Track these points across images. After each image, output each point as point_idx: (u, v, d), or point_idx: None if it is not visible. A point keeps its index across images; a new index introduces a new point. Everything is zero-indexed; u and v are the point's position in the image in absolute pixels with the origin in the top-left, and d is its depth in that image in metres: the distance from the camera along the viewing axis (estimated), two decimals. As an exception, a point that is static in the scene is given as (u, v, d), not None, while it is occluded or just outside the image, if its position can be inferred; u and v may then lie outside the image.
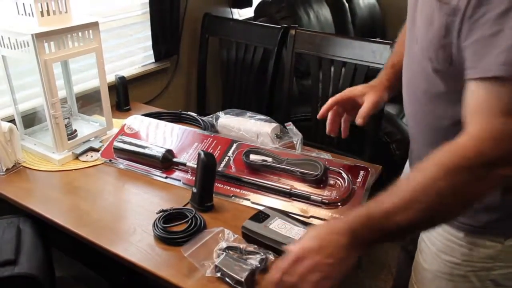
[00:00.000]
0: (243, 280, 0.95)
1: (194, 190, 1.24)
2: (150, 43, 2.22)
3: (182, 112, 1.80)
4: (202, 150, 1.21)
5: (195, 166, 1.28)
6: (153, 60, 2.27)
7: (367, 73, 1.93)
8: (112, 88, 1.90)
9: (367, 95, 1.23)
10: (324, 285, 0.81)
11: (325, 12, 2.98)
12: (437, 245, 1.06)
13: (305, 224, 1.12)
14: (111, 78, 1.96)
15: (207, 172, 1.21)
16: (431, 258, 1.09)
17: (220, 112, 1.71)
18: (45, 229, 1.34)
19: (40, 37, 1.35)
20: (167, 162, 1.42)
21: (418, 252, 1.16)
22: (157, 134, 1.56)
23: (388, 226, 0.79)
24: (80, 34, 1.47)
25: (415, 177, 0.79)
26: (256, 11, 2.78)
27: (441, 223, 0.87)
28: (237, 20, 2.38)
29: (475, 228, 0.98)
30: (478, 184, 0.76)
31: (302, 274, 0.81)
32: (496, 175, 0.75)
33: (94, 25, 1.50)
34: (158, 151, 1.42)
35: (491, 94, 0.75)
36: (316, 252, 0.81)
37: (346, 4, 3.34)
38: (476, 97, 0.77)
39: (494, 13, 0.72)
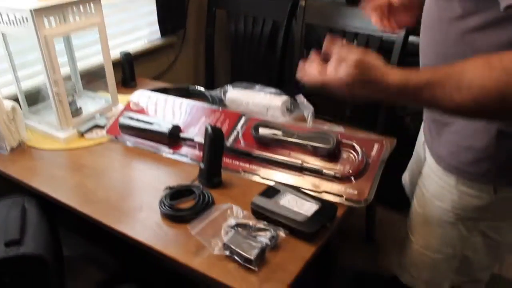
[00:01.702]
0: (252, 258, 0.92)
1: (202, 165, 1.20)
2: (155, 17, 2.16)
3: (190, 86, 1.75)
4: (209, 125, 1.16)
5: (203, 141, 1.24)
6: (159, 35, 2.21)
7: (380, 45, 1.86)
8: (117, 64, 1.86)
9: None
10: (342, 81, 0.82)
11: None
12: (430, 190, 1.08)
13: (317, 199, 1.07)
14: (116, 54, 1.92)
15: (215, 147, 1.17)
16: (424, 203, 1.11)
17: (228, 85, 1.65)
18: (51, 208, 1.31)
19: (39, 12, 1.30)
20: (174, 138, 1.37)
21: (414, 198, 1.17)
22: (164, 110, 1.52)
23: (423, 95, 0.76)
24: (81, 8, 1.42)
25: (464, 65, 0.74)
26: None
27: (480, 119, 0.82)
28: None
29: (465, 175, 0.98)
30: None
31: (341, 58, 0.82)
32: None
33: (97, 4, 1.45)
34: (164, 127, 1.38)
35: None
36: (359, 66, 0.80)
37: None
38: None
39: None
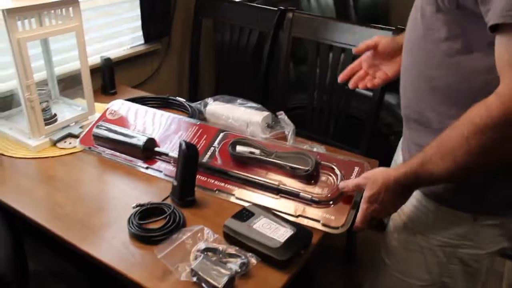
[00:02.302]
0: (220, 287, 0.87)
1: (175, 183, 1.15)
2: (139, 23, 2.11)
3: (170, 97, 1.70)
4: (184, 140, 1.12)
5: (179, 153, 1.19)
6: (142, 41, 2.16)
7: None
8: (98, 70, 1.81)
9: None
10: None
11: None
12: (408, 214, 1.06)
13: (293, 224, 1.03)
14: (96, 59, 1.86)
15: (188, 164, 1.12)
16: (401, 227, 1.09)
17: (209, 98, 1.61)
18: (16, 219, 1.25)
19: (12, 13, 1.25)
20: (148, 152, 1.32)
21: (390, 221, 1.14)
22: (141, 121, 1.46)
23: (422, 174, 0.86)
24: (58, 11, 1.37)
25: (448, 133, 0.82)
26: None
27: (475, 174, 0.86)
28: (232, 1, 2.25)
29: (445, 201, 0.97)
30: (508, 143, 0.75)
31: (383, 201, 0.94)
32: None
33: (74, 2, 1.39)
34: (139, 140, 1.32)
35: (509, 44, 0.73)
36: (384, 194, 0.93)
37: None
38: (500, 50, 0.76)
39: None
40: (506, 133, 0.75)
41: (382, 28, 1.80)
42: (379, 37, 1.18)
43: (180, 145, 1.11)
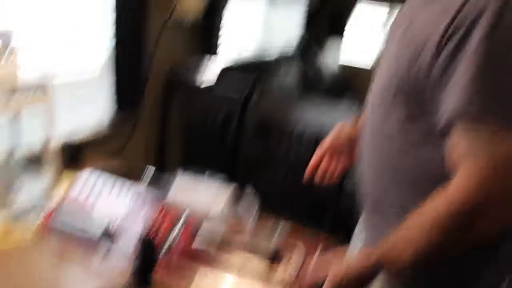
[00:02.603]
0: None
1: (129, 280, 1.11)
2: (111, 93, 2.14)
3: (138, 170, 1.70)
4: (141, 237, 1.10)
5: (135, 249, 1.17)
6: (113, 113, 2.18)
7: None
8: (66, 143, 1.80)
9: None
10: None
11: (291, 76, 2.98)
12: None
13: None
14: (66, 130, 1.86)
15: (144, 261, 1.10)
16: None
17: (177, 172, 1.62)
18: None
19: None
20: (106, 243, 1.29)
21: None
22: (103, 200, 1.44)
23: (385, 262, 0.87)
24: (27, 92, 1.38)
25: (409, 223, 0.84)
26: (221, 73, 2.75)
27: (436, 262, 0.89)
28: (199, 83, 2.33)
29: (398, 277, 0.97)
30: (470, 231, 0.78)
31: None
32: (485, 221, 0.78)
33: (45, 85, 1.42)
34: (97, 229, 1.29)
35: (468, 138, 0.78)
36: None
37: (313, 68, 3.37)
38: (455, 142, 0.80)
39: (469, 54, 0.76)
40: (465, 222, 0.78)
41: (345, 106, 1.88)
42: (332, 140, 1.22)
43: (138, 240, 1.10)
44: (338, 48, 3.95)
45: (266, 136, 2.39)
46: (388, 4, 3.67)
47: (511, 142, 0.77)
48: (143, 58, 2.16)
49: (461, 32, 0.78)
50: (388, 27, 1.07)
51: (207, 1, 2.40)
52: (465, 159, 0.79)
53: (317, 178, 1.24)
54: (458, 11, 0.79)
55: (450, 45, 0.79)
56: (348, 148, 1.20)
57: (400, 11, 1.04)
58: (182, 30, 2.48)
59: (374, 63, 1.07)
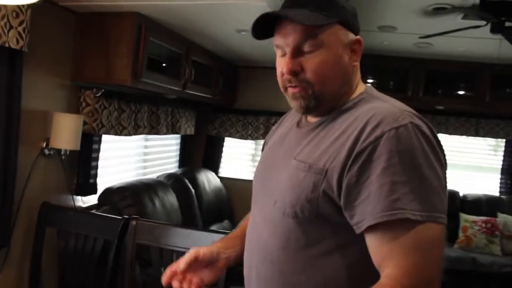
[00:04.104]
0: None
1: None
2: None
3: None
4: None
5: None
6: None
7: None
8: None
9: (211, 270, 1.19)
10: None
11: (171, 199, 3.07)
12: None
13: None
14: None
15: None
16: None
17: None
18: None
19: None
20: None
21: None
22: None
23: None
24: None
25: None
26: (99, 198, 2.77)
27: None
28: (77, 210, 2.32)
29: None
30: None
31: None
32: None
33: None
34: None
35: (391, 236, 0.87)
36: None
37: (193, 190, 3.49)
38: (378, 244, 0.89)
39: (375, 175, 0.89)
40: None
41: (218, 232, 1.99)
42: (197, 250, 1.20)
43: None
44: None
45: (147, 261, 2.38)
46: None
47: (428, 233, 0.87)
48: (11, 191, 2.11)
49: (364, 156, 0.90)
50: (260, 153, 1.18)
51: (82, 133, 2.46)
52: (389, 257, 0.88)
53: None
54: (357, 139, 0.92)
55: (355, 168, 0.91)
56: (206, 265, 1.20)
57: (272, 144, 1.16)
58: (57, 161, 2.49)
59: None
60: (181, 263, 1.17)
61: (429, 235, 0.88)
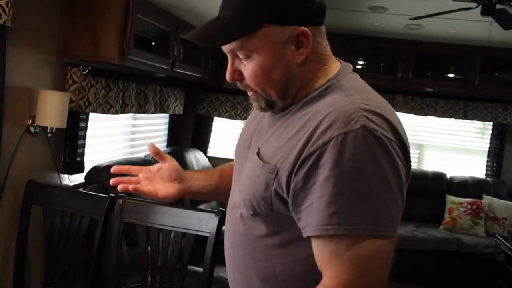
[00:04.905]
0: None
1: None
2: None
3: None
4: None
5: None
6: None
7: (196, 238, 1.97)
8: None
9: (170, 185, 1.21)
10: None
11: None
12: None
13: None
14: None
15: None
16: None
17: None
18: None
19: None
20: None
21: None
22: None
23: None
24: None
25: None
26: (86, 177, 2.75)
27: None
28: (63, 188, 2.31)
29: None
30: None
31: None
32: None
33: None
34: None
35: (330, 248, 0.87)
36: None
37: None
38: (319, 252, 0.89)
39: (319, 183, 0.86)
40: None
41: (205, 211, 1.99)
42: (171, 159, 1.23)
43: None
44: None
45: (133, 239, 2.39)
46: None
47: (368, 248, 0.85)
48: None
49: (311, 161, 0.87)
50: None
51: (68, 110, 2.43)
52: (328, 266, 0.88)
53: (118, 183, 1.19)
54: (307, 142, 0.89)
55: (301, 173, 0.89)
56: (166, 179, 1.21)
57: (251, 121, 1.15)
58: (43, 139, 2.47)
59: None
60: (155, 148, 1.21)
61: (369, 249, 0.85)
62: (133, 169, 1.24)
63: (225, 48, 0.96)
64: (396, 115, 0.95)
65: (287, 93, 0.98)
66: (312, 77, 0.99)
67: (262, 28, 0.91)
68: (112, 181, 1.20)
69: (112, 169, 1.22)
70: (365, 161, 0.85)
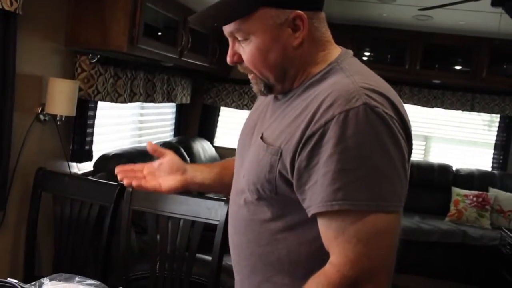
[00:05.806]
0: None
1: None
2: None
3: (1, 280, 1.61)
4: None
5: None
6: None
7: (204, 228, 1.98)
8: None
9: (171, 177, 1.24)
10: None
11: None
12: None
13: None
14: None
15: None
16: None
17: (45, 278, 1.56)
18: None
19: None
20: None
21: None
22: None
23: None
24: None
25: None
26: (95, 165, 2.77)
27: None
28: (72, 176, 2.32)
29: None
30: None
31: None
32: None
33: None
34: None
35: (336, 225, 0.87)
36: None
37: (188, 159, 3.50)
38: (325, 230, 0.90)
39: (323, 160, 0.87)
40: None
41: (214, 199, 2.00)
42: (171, 153, 1.27)
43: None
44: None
45: (143, 227, 2.41)
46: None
47: (374, 223, 0.86)
48: (7, 156, 2.11)
49: (314, 139, 0.88)
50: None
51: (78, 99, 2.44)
52: (335, 244, 0.89)
53: (125, 180, 1.23)
54: (310, 121, 0.90)
55: (305, 152, 0.89)
56: (169, 172, 1.24)
57: (255, 110, 1.16)
58: (53, 127, 2.48)
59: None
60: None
61: (375, 225, 0.86)
62: (137, 167, 1.27)
63: (225, 31, 1.00)
64: (396, 94, 0.96)
65: (285, 76, 1.00)
66: (311, 61, 1.00)
67: (258, 10, 0.94)
68: (117, 169, 1.24)
69: (116, 169, 1.25)
70: (368, 137, 0.86)
